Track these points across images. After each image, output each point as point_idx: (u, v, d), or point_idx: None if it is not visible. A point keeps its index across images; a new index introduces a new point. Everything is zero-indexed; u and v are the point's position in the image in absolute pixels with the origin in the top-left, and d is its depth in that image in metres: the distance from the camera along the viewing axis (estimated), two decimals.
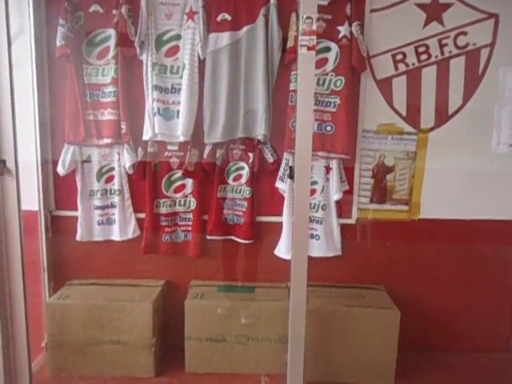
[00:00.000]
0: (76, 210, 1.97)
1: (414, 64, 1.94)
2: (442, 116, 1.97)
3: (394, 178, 2.02)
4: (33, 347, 1.67)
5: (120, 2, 1.83)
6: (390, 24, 1.91)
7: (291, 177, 1.62)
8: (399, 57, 1.94)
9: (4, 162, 1.53)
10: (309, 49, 1.49)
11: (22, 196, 1.66)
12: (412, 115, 1.97)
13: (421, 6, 1.90)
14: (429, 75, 1.95)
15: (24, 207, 1.78)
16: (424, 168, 2.00)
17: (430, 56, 1.94)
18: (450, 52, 1.93)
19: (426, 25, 1.91)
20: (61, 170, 1.92)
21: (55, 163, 1.94)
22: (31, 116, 1.87)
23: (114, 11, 1.84)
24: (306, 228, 1.62)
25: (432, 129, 1.98)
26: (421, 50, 1.93)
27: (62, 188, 1.98)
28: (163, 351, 1.94)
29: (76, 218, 1.98)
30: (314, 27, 1.48)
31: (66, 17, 1.81)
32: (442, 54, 1.94)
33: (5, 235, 1.58)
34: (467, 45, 1.93)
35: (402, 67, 1.95)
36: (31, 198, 1.93)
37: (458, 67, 1.94)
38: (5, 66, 1.48)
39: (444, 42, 1.93)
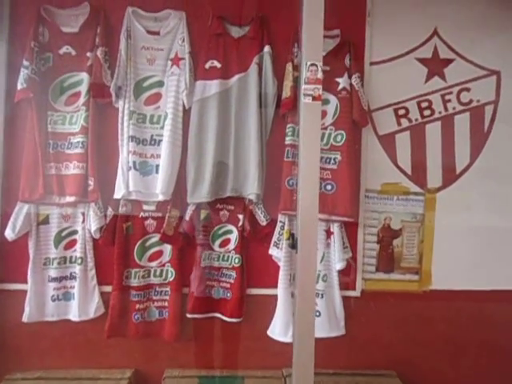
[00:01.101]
0: (25, 282, 1.61)
1: (417, 119, 1.81)
2: (450, 175, 1.82)
3: (402, 243, 1.79)
4: None
5: (96, 44, 1.63)
6: (391, 77, 1.79)
7: (293, 246, 1.36)
8: (402, 112, 1.80)
9: None
10: (314, 99, 1.31)
11: None
12: (418, 174, 1.81)
13: (421, 60, 1.80)
14: (433, 131, 1.82)
15: None
16: (433, 232, 1.80)
17: (433, 112, 1.81)
18: (454, 108, 1.82)
19: (427, 80, 1.81)
20: (9, 234, 1.58)
21: (4, 225, 1.60)
22: None
23: (89, 54, 1.63)
24: (313, 305, 1.36)
25: (440, 189, 1.81)
26: (424, 105, 1.81)
27: (9, 255, 1.63)
28: None
29: (25, 292, 1.61)
30: (319, 75, 1.31)
31: (32, 57, 1.58)
32: (446, 109, 1.82)
33: None
34: (471, 101, 1.82)
35: (404, 122, 1.80)
36: None
37: (462, 124, 1.82)
38: None
39: (447, 97, 1.82)
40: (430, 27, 1.80)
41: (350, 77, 1.73)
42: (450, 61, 1.82)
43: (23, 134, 1.60)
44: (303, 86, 1.31)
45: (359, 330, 1.75)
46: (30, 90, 1.57)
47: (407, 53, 1.80)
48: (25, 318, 1.59)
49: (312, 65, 1.31)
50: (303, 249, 1.30)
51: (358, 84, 1.72)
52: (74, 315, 1.62)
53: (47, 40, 1.63)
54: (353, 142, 1.72)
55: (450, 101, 1.82)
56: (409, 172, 1.80)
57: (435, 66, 1.81)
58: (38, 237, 1.63)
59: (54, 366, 1.63)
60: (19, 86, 1.57)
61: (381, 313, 1.77)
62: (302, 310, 1.33)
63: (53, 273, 1.64)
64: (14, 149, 1.62)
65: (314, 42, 1.32)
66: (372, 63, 1.78)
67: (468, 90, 1.82)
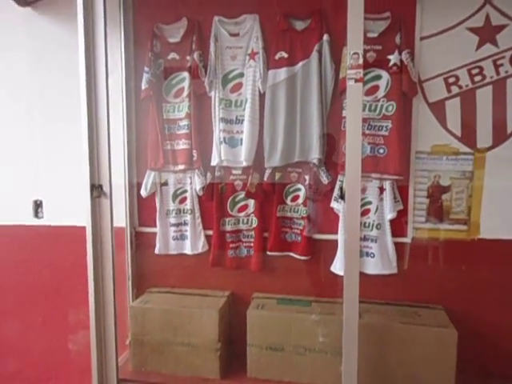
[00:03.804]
0: (155, 226, 2.28)
1: (467, 86, 1.98)
2: (501, 134, 1.97)
3: (451, 197, 2.03)
4: (119, 344, 1.96)
5: (193, 49, 2.14)
6: (441, 49, 1.97)
7: (342, 197, 1.75)
8: (452, 80, 1.99)
9: (101, 186, 1.86)
10: (356, 81, 1.65)
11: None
12: (467, 135, 2.00)
13: (472, 29, 1.95)
14: (484, 95, 1.97)
15: (114, 224, 2.11)
16: (482, 187, 2.00)
17: (484, 77, 1.96)
18: (507, 72, 1.94)
19: (478, 47, 1.95)
20: (143, 193, 2.26)
21: (139, 187, 2.28)
22: (121, 147, 2.23)
23: (188, 57, 2.16)
24: (357, 245, 1.72)
25: (490, 148, 1.98)
26: (474, 71, 1.96)
27: (144, 208, 2.31)
28: (228, 356, 2.13)
29: (155, 233, 2.28)
30: (361, 61, 1.63)
31: (150, 64, 2.16)
32: (498, 74, 1.95)
33: (101, 248, 1.89)
34: None
35: (455, 89, 1.99)
36: (119, 216, 2.28)
37: None
38: (103, 110, 1.82)
39: (499, 62, 1.94)
40: None
41: (400, 53, 1.98)
42: (502, 27, 1.92)
43: (147, 121, 2.22)
44: (348, 71, 1.66)
45: (410, 271, 2.07)
46: (150, 90, 2.16)
47: (458, 24, 1.95)
48: (156, 251, 2.27)
49: (354, 53, 1.63)
50: (349, 198, 1.68)
51: (407, 59, 1.95)
52: (188, 250, 2.26)
53: (159, 50, 2.20)
54: (403, 111, 1.98)
55: (502, 65, 1.94)
56: (458, 134, 2.00)
57: (487, 33, 1.93)
58: (161, 195, 2.27)
59: (176, 285, 2.31)
60: (143, 87, 2.17)
61: (430, 257, 2.07)
62: (348, 247, 1.71)
63: (172, 220, 2.28)
64: (142, 132, 2.25)
65: (355, 34, 1.63)
66: (422, 38, 1.98)
67: None
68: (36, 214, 2.40)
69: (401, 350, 1.85)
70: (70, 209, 2.33)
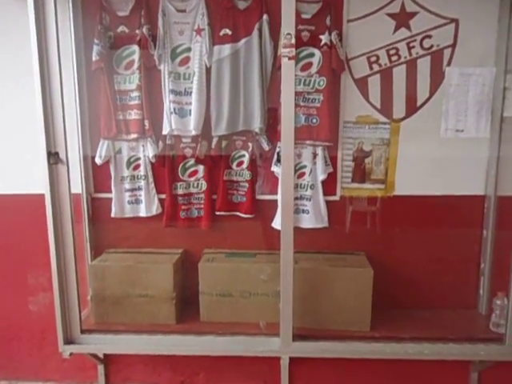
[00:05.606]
0: (111, 192, 2.44)
1: (386, 64, 2.29)
2: (412, 107, 2.32)
3: (372, 161, 2.39)
4: (81, 300, 2.15)
5: (142, 23, 2.26)
6: (365, 31, 2.25)
7: (279, 161, 2.03)
8: (373, 59, 2.29)
9: (57, 153, 1.99)
10: (289, 59, 1.90)
11: None
12: (385, 108, 2.33)
13: (390, 15, 2.24)
14: (399, 73, 2.28)
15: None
16: (397, 152, 2.36)
17: (399, 57, 2.28)
18: (417, 53, 2.27)
19: (395, 31, 2.26)
20: (98, 161, 2.39)
21: (93, 155, 2.41)
22: (74, 117, 2.33)
23: (137, 31, 2.27)
24: (292, 203, 2.02)
25: (403, 119, 2.34)
26: (392, 52, 2.28)
27: (99, 175, 2.45)
28: (182, 304, 2.39)
29: (111, 199, 2.44)
30: (293, 41, 1.88)
31: (100, 37, 2.25)
32: (410, 55, 2.28)
33: (60, 213, 2.03)
34: (432, 46, 2.26)
35: (375, 67, 2.30)
36: (75, 183, 2.40)
37: (424, 65, 2.27)
38: (56, 80, 1.94)
39: (411, 44, 2.26)
40: None
41: (330, 34, 2.23)
42: (415, 13, 2.23)
43: (100, 92, 2.33)
44: (282, 50, 1.90)
45: (338, 224, 2.43)
46: (101, 61, 2.26)
47: (378, 10, 2.24)
48: (112, 214, 2.43)
49: (287, 34, 1.88)
50: (284, 162, 1.97)
51: (336, 39, 2.22)
52: (142, 213, 2.44)
53: (108, 23, 2.29)
54: (332, 86, 2.27)
55: (413, 47, 2.26)
56: (378, 106, 2.33)
57: (402, 18, 2.24)
58: (115, 162, 2.42)
59: (133, 246, 2.51)
60: (94, 59, 2.26)
61: (355, 212, 2.43)
62: (284, 205, 2.02)
63: (127, 186, 2.44)
64: (95, 103, 2.36)
65: (288, 16, 1.87)
66: (349, 21, 2.25)
67: (430, 36, 2.25)
68: None
69: (328, 287, 2.21)
70: (22, 177, 2.42)
